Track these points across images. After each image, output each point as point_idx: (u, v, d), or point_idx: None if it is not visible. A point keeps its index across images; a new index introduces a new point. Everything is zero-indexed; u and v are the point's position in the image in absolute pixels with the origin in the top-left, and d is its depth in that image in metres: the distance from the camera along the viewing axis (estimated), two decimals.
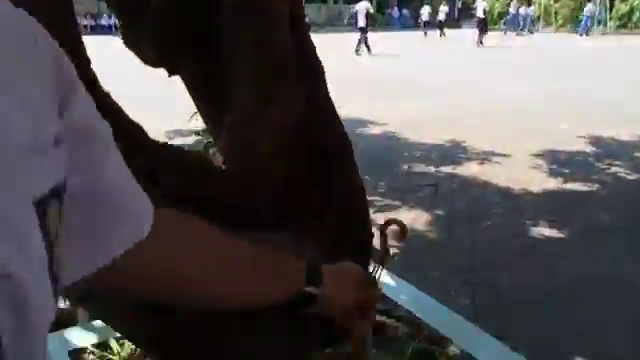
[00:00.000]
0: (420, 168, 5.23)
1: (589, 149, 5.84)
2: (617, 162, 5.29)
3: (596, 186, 4.57)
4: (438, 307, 1.81)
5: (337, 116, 1.13)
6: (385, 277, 2.09)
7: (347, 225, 1.16)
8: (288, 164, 1.03)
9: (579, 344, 2.28)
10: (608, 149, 5.81)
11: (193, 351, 0.83)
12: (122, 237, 0.49)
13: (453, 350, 1.59)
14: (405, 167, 5.27)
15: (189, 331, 0.79)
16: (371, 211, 1.22)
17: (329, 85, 1.10)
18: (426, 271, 3.01)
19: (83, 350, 1.51)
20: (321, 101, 1.12)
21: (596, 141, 6.14)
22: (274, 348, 0.93)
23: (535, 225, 3.72)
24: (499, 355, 1.61)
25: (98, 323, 1.51)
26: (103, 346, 1.50)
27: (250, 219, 0.94)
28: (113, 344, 1.47)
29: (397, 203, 4.16)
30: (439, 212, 4.01)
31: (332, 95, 1.11)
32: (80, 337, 1.58)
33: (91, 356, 1.48)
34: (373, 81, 10.96)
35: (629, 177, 4.85)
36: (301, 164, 1.05)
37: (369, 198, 1.20)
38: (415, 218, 3.86)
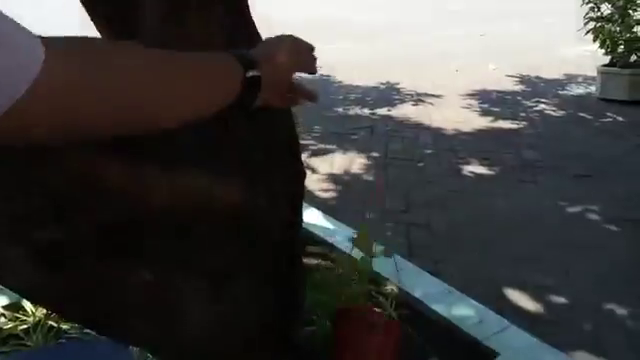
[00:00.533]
0: (355, 111, 5.18)
1: (517, 88, 5.98)
2: (543, 100, 5.44)
3: (524, 124, 4.69)
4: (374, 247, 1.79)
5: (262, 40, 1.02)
6: (321, 220, 2.05)
7: (277, 159, 1.08)
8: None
9: (513, 276, 2.35)
10: (535, 88, 5.97)
11: (98, 309, 0.74)
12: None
13: (390, 288, 1.57)
14: (340, 110, 5.20)
15: (90, 286, 0.70)
16: (306, 155, 1.15)
17: (259, 25, 0.98)
18: (363, 212, 3.00)
19: None
20: (245, 27, 1.00)
21: (523, 80, 6.29)
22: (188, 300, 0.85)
23: (467, 164, 3.78)
24: (435, 291, 1.61)
25: None
26: (15, 307, 1.38)
27: (174, 158, 0.84)
28: (26, 304, 1.36)
29: (332, 147, 4.11)
30: (375, 154, 3.99)
31: (263, 36, 1.00)
32: None
33: (2, 319, 1.36)
34: (305, 23, 10.68)
35: (554, 114, 5.01)
36: None
37: (304, 142, 1.13)
38: (351, 161, 3.82)
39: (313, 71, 0.85)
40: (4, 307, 1.40)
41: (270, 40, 0.79)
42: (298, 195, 1.19)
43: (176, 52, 0.59)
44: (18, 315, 1.35)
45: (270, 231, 1.04)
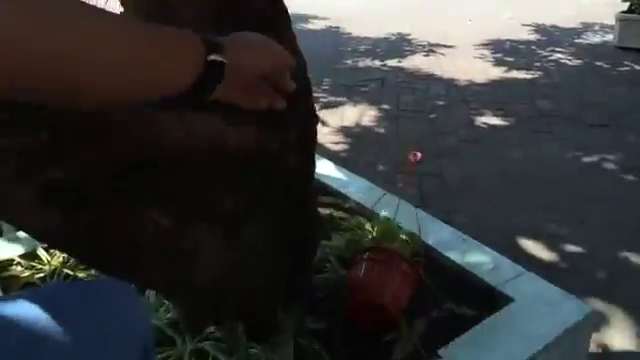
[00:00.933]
0: (365, 63, 5.09)
1: (532, 37, 5.82)
2: (559, 49, 5.30)
3: (539, 73, 4.59)
4: (387, 197, 1.77)
5: None
6: (334, 171, 2.03)
7: (289, 107, 1.06)
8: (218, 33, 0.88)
9: (527, 226, 2.33)
10: (550, 37, 5.81)
11: (112, 252, 0.73)
12: None
13: (404, 237, 1.56)
14: (349, 62, 5.11)
15: (105, 226, 0.69)
16: (317, 108, 1.11)
17: None
18: (374, 164, 2.98)
19: (10, 261, 1.40)
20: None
21: (539, 29, 6.12)
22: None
23: (481, 115, 3.71)
24: (449, 238, 1.60)
25: (24, 233, 1.38)
26: (31, 256, 1.39)
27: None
28: (41, 253, 1.37)
29: (343, 99, 4.05)
30: (386, 106, 3.93)
31: None
32: (5, 248, 1.46)
33: (19, 267, 1.37)
34: None
35: (570, 63, 4.88)
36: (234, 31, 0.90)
37: (314, 95, 1.09)
38: (361, 113, 3.77)
39: (286, 90, 0.76)
40: (20, 256, 1.41)
41: (251, 34, 0.71)
42: (310, 143, 1.17)
43: (136, 20, 0.53)
44: (34, 264, 1.36)
45: (283, 176, 1.02)
